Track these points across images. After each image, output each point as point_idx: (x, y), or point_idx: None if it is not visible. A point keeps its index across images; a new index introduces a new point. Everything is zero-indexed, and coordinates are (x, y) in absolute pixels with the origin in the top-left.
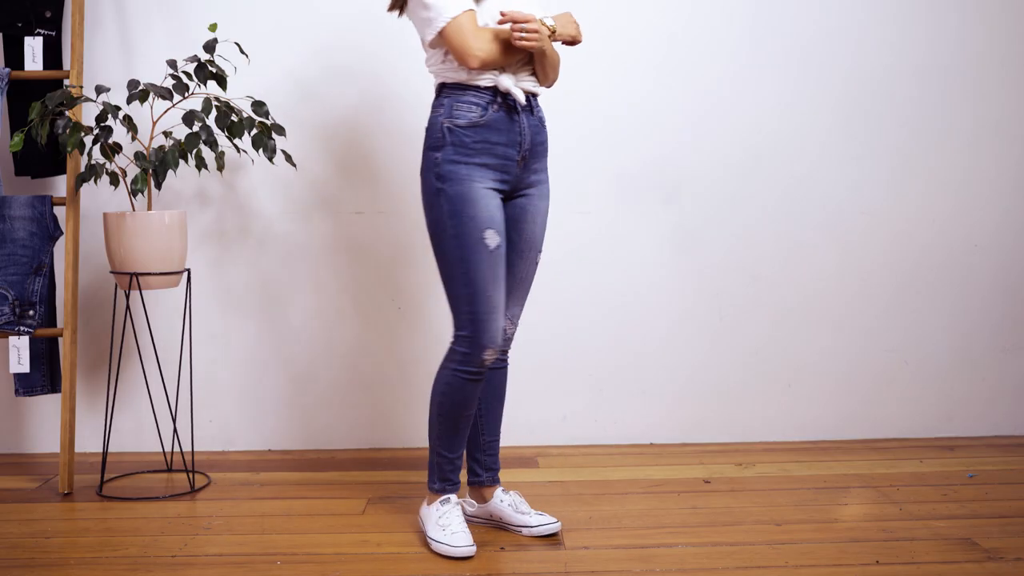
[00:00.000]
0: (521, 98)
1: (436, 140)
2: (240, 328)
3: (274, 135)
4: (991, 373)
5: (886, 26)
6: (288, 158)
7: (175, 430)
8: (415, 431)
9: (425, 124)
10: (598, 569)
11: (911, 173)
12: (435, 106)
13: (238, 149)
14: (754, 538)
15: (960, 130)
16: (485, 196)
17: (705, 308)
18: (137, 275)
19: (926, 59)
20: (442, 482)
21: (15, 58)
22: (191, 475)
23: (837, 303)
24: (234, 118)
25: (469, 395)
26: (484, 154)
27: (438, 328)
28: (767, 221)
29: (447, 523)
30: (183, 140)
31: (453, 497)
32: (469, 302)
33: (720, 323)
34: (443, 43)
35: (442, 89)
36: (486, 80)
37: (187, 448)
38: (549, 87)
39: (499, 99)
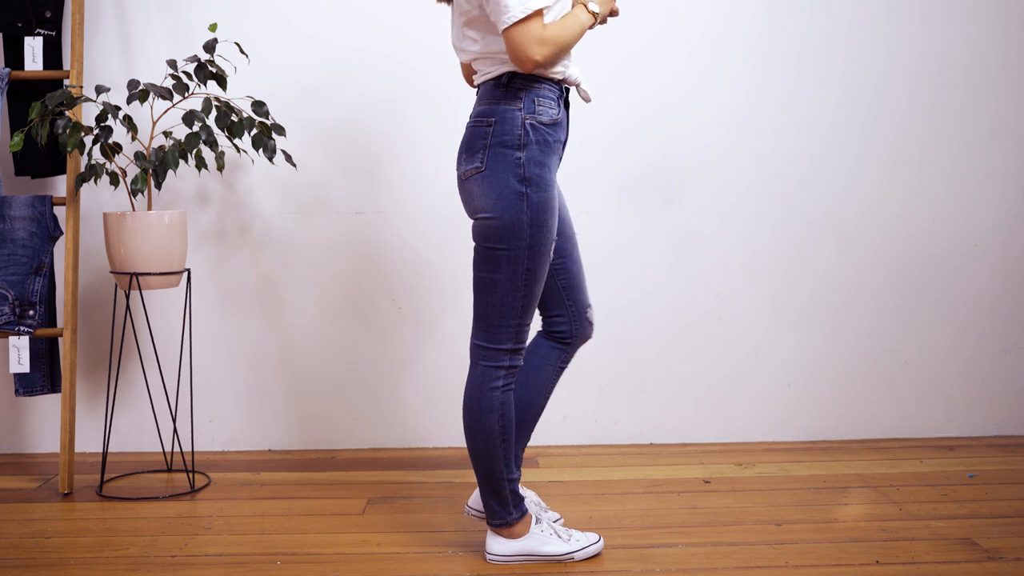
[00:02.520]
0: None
1: (516, 138)
2: (240, 328)
3: (274, 135)
4: (991, 373)
5: (885, 26)
6: (288, 158)
7: (175, 430)
8: (415, 431)
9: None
10: (598, 569)
11: (910, 173)
12: (506, 99)
13: (238, 149)
14: (754, 538)
15: (959, 129)
16: (557, 203)
17: (705, 308)
18: (137, 275)
19: (924, 58)
20: (518, 506)
21: (15, 58)
22: (191, 475)
23: (837, 303)
24: (234, 118)
25: (513, 405)
26: (555, 154)
27: (438, 328)
28: (767, 221)
29: (560, 532)
30: (183, 140)
31: (529, 511)
32: (522, 314)
33: (720, 323)
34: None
35: (512, 80)
36: (557, 72)
37: (187, 448)
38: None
39: (565, 93)
